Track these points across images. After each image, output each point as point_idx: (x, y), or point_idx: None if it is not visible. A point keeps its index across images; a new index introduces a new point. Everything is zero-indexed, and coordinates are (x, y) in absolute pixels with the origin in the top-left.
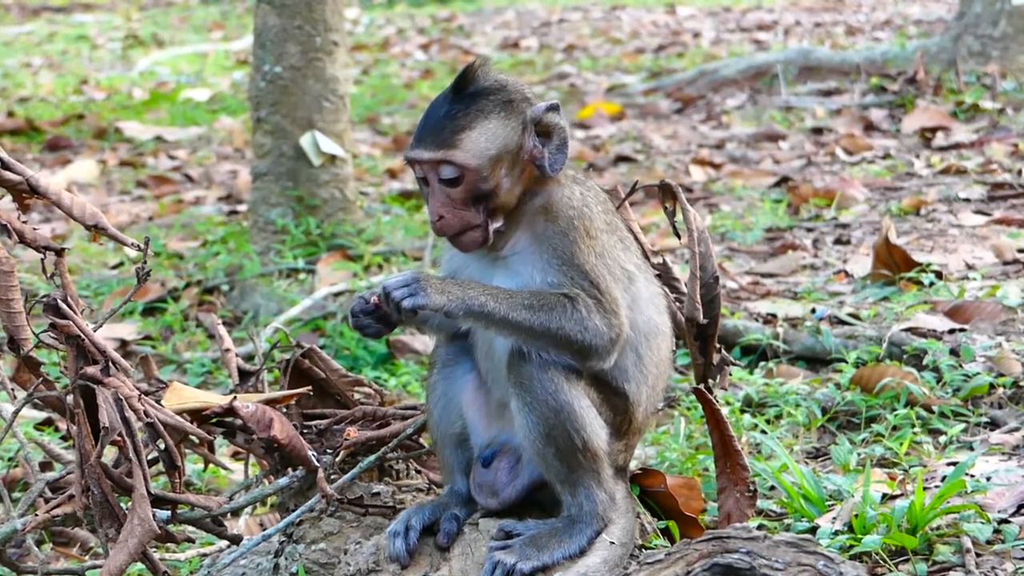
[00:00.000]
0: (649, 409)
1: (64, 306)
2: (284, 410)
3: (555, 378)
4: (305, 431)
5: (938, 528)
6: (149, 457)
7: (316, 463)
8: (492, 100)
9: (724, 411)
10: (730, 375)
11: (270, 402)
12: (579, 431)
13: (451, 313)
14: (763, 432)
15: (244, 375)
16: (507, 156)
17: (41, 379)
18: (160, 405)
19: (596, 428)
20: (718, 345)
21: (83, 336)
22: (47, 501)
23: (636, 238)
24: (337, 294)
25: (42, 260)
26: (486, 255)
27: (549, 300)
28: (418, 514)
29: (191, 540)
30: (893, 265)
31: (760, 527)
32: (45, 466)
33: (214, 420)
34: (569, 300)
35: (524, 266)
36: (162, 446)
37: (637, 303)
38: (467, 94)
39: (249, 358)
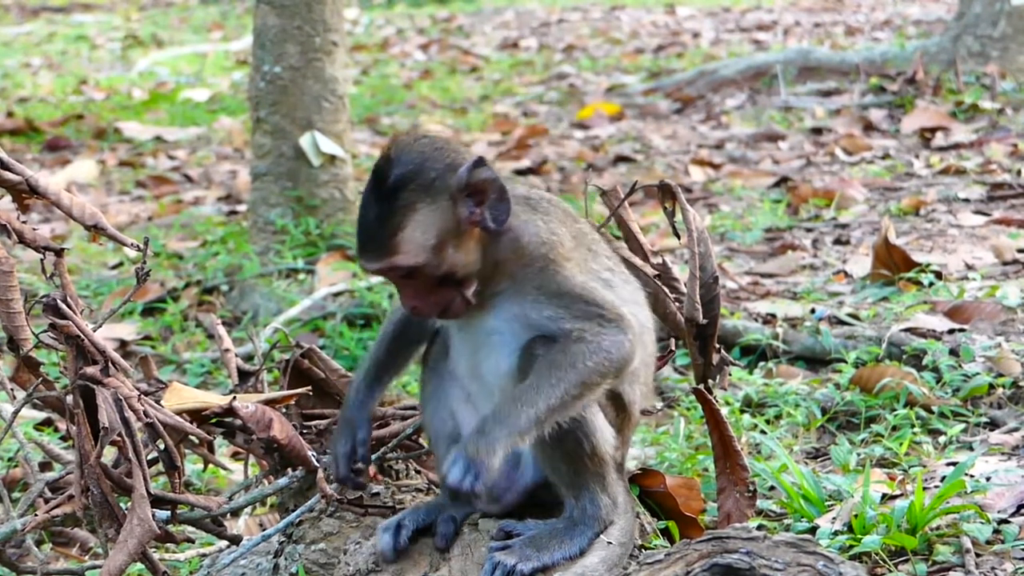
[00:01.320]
0: (643, 404)
1: (64, 306)
2: (284, 410)
3: None
4: (305, 431)
5: (938, 528)
6: (149, 457)
7: (316, 463)
8: (414, 189)
9: (724, 411)
10: (730, 375)
11: (270, 402)
12: (589, 437)
13: (513, 452)
14: (763, 432)
15: (244, 375)
16: (449, 236)
17: (41, 379)
18: (160, 405)
19: (605, 433)
20: (718, 345)
21: (83, 336)
22: (47, 501)
23: (636, 238)
24: (337, 294)
25: (42, 260)
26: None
27: (563, 356)
28: (413, 515)
29: (191, 540)
30: (892, 265)
31: (760, 527)
32: (45, 466)
33: (214, 420)
34: (578, 340)
35: (513, 307)
36: (162, 446)
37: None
38: (389, 188)
39: (249, 358)
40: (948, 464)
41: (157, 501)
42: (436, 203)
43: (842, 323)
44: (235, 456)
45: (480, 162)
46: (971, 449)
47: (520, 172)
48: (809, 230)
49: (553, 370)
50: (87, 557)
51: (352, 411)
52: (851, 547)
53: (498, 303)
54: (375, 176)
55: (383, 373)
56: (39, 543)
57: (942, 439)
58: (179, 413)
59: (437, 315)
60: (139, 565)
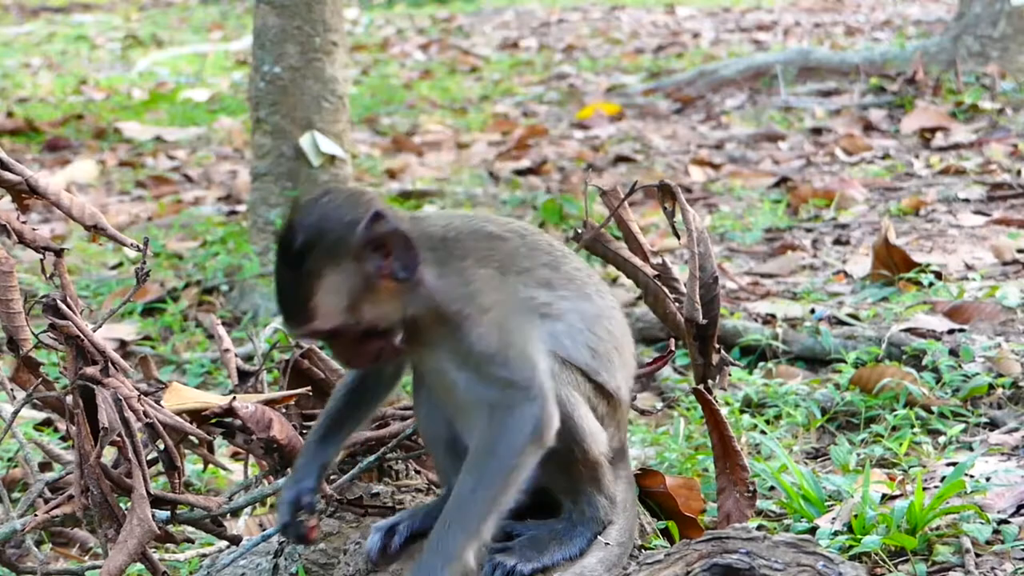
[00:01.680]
0: (629, 385)
1: (63, 306)
2: (283, 410)
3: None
4: (304, 431)
5: (937, 528)
6: (148, 457)
7: None
8: (317, 254)
9: (723, 411)
10: (729, 375)
11: (269, 402)
12: (579, 443)
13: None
14: (762, 432)
15: (243, 375)
16: (362, 294)
17: (40, 379)
18: (160, 405)
19: (596, 435)
20: (717, 345)
21: (82, 336)
22: (46, 501)
23: (636, 239)
24: None
25: (41, 260)
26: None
27: (483, 443)
28: (410, 519)
29: (190, 540)
30: (892, 265)
31: (760, 527)
32: (44, 466)
33: (213, 420)
34: (491, 416)
35: (443, 363)
36: (161, 446)
37: (571, 307)
38: (294, 256)
39: (248, 358)
40: (948, 464)
41: (157, 501)
42: (342, 265)
43: (842, 323)
44: (235, 456)
45: (377, 216)
46: (971, 449)
47: (520, 172)
48: (809, 230)
49: (474, 471)
50: (87, 557)
51: (301, 460)
52: (851, 547)
53: (435, 358)
54: (280, 245)
55: (338, 426)
56: (39, 543)
57: (942, 439)
58: (179, 413)
59: (371, 365)
60: (139, 565)
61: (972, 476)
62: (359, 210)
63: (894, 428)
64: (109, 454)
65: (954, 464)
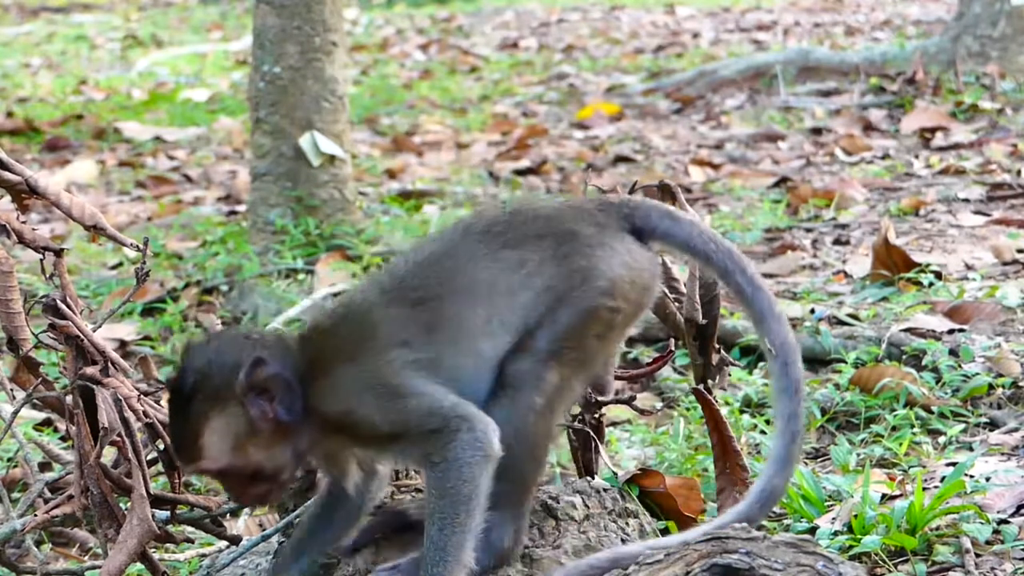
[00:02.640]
0: None
1: (63, 306)
2: None
3: None
4: None
5: (937, 528)
6: (148, 457)
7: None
8: (203, 396)
9: (723, 411)
10: (729, 375)
11: None
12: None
13: None
14: (762, 432)
15: None
16: (246, 437)
17: (40, 379)
18: (159, 405)
19: None
20: (717, 345)
21: (82, 336)
22: (46, 501)
23: None
24: (336, 294)
25: (41, 260)
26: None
27: (435, 492)
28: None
29: (190, 540)
30: (892, 265)
31: (759, 528)
32: (44, 466)
33: None
34: (433, 467)
35: (364, 455)
36: (161, 446)
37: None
38: (184, 399)
39: None
40: (948, 464)
41: (157, 501)
42: (226, 408)
43: (842, 323)
44: None
45: (258, 361)
46: (971, 449)
47: (520, 172)
48: (809, 230)
49: (436, 517)
50: (87, 557)
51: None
52: (851, 547)
53: (345, 448)
54: (171, 387)
55: (312, 541)
56: (39, 543)
57: (942, 439)
58: None
59: (261, 503)
60: (139, 565)
61: (972, 476)
62: (244, 354)
63: (894, 428)
64: (109, 454)
65: (954, 464)
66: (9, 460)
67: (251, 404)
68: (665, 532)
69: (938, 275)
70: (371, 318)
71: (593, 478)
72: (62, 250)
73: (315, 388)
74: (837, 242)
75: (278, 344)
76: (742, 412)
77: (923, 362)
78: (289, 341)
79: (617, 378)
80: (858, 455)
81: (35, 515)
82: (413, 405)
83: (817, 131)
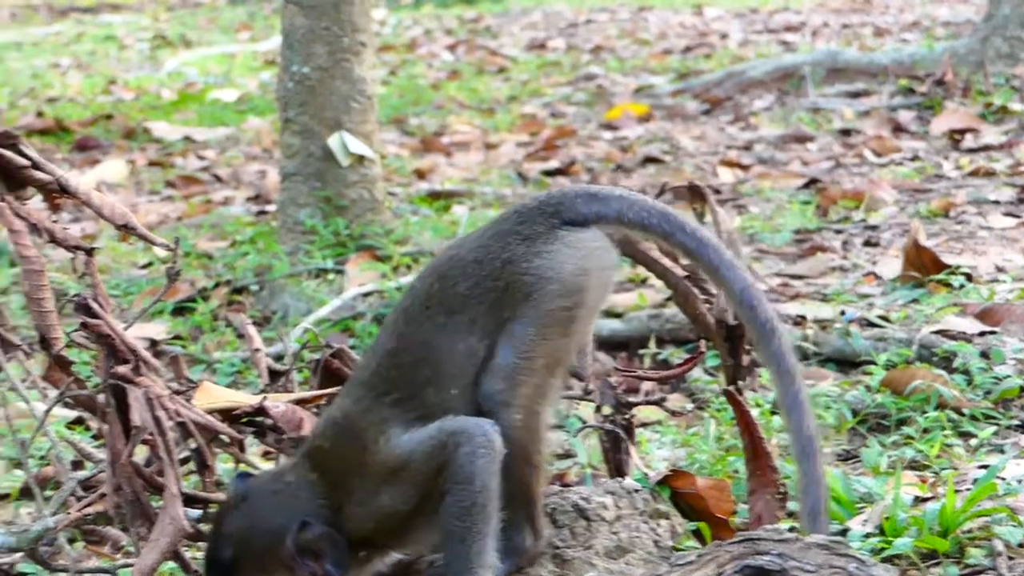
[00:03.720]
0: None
1: (95, 305)
2: (314, 410)
3: None
4: None
5: (969, 531)
6: (180, 456)
7: None
8: (247, 565)
9: (754, 413)
10: (760, 376)
11: (300, 402)
12: None
13: None
14: None
15: (274, 375)
16: None
17: (72, 378)
18: (191, 404)
19: None
20: (748, 347)
21: (114, 335)
22: (79, 500)
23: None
24: (366, 295)
25: (72, 259)
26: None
27: (456, 503)
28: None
29: None
30: (922, 267)
31: (791, 529)
32: (76, 465)
33: (244, 420)
34: (449, 490)
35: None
36: (193, 445)
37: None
38: (225, 568)
39: (279, 358)
40: (979, 467)
41: (189, 500)
42: (273, 574)
43: (872, 325)
44: (266, 455)
45: (304, 525)
46: (1002, 452)
47: (548, 173)
48: (838, 232)
49: (454, 529)
50: (119, 555)
51: None
52: (882, 549)
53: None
54: (208, 560)
55: None
56: (71, 541)
57: (973, 442)
58: (210, 412)
59: None
60: (171, 564)
61: (1004, 479)
62: (286, 515)
63: (925, 430)
64: (141, 452)
65: (986, 467)
66: (42, 458)
67: (300, 569)
68: (696, 533)
69: (968, 277)
70: (357, 427)
71: (624, 479)
72: (93, 249)
73: (345, 518)
74: (867, 244)
75: (308, 493)
76: (773, 413)
77: (954, 364)
78: (312, 481)
79: (647, 379)
80: (889, 457)
81: (68, 513)
82: (414, 463)
83: (846, 132)
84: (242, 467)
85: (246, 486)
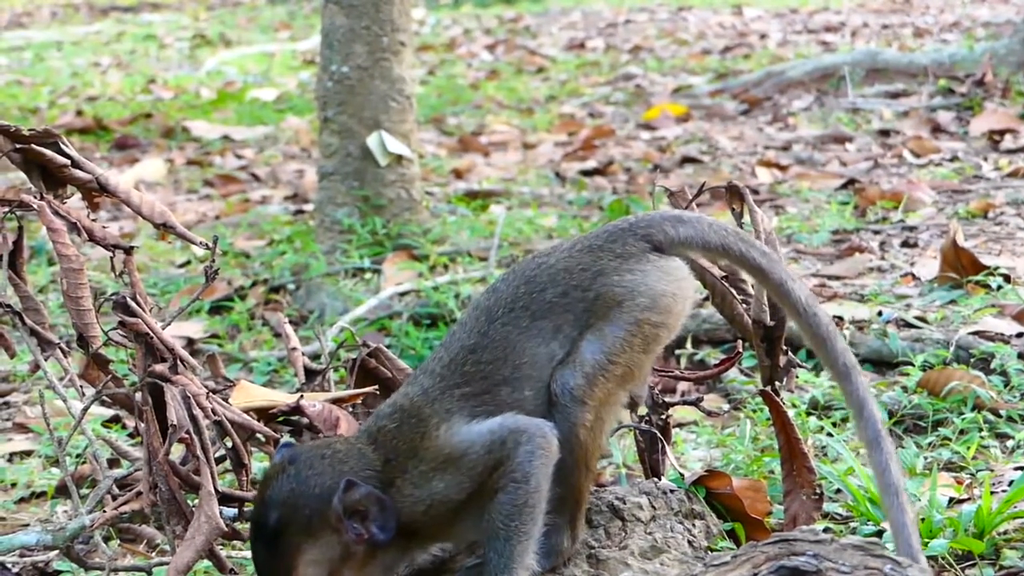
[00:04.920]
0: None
1: (133, 304)
2: (351, 409)
3: None
4: None
5: (1005, 533)
6: (216, 455)
7: None
8: (293, 530)
9: (790, 413)
10: (796, 377)
11: (336, 401)
12: None
13: None
14: (829, 435)
15: (310, 374)
16: (340, 561)
17: (110, 376)
18: (227, 403)
19: None
20: (784, 347)
21: (151, 334)
22: (115, 498)
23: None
24: (403, 294)
25: (111, 258)
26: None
27: (508, 502)
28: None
29: None
30: (960, 268)
31: (826, 530)
32: (113, 463)
33: (281, 419)
34: (504, 488)
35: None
36: (229, 444)
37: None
38: (270, 535)
39: (315, 357)
40: (1016, 468)
41: (225, 498)
42: (319, 539)
43: (909, 326)
44: None
45: (350, 484)
46: None
47: (586, 173)
48: (876, 232)
49: (501, 526)
50: (154, 554)
51: None
52: None
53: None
54: (255, 525)
55: None
56: (107, 539)
57: (1010, 443)
58: (247, 411)
59: None
60: (206, 562)
61: None
62: (330, 478)
63: (962, 432)
64: (177, 451)
65: (1022, 468)
66: (78, 456)
67: (346, 529)
68: (732, 534)
69: (1007, 278)
70: (422, 413)
71: (660, 479)
72: (131, 248)
73: (395, 495)
74: (905, 244)
75: (358, 460)
76: (809, 414)
77: (991, 365)
78: (364, 452)
79: (684, 379)
80: (925, 458)
81: (103, 511)
82: (472, 454)
83: (885, 133)
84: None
85: (292, 452)
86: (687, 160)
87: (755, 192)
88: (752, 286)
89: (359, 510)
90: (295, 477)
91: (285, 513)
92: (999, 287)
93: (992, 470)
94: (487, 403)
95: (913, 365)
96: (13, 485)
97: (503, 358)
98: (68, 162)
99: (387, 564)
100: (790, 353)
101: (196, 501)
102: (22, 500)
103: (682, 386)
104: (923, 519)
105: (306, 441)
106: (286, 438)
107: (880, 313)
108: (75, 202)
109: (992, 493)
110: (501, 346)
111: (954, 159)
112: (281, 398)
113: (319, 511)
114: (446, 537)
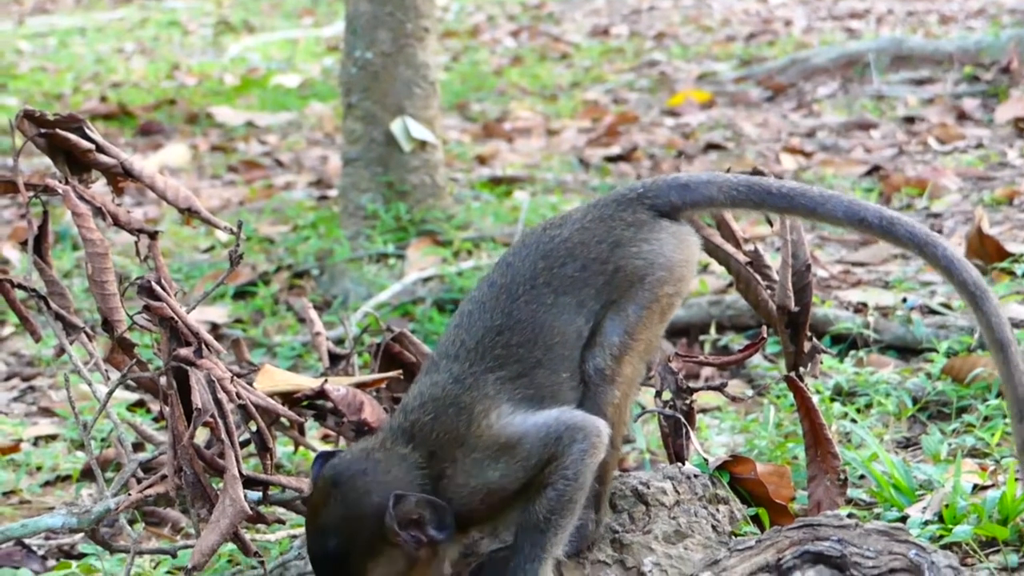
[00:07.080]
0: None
1: (158, 288)
2: (374, 394)
3: None
4: None
5: None
6: (241, 439)
7: None
8: (356, 554)
9: (814, 399)
10: (821, 363)
11: (361, 385)
12: None
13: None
14: (853, 421)
15: (334, 358)
16: (407, 569)
17: (134, 360)
18: (252, 387)
19: None
20: (809, 333)
21: (176, 318)
22: (139, 481)
23: (728, 225)
24: (427, 279)
25: (136, 243)
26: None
27: (557, 496)
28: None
29: (281, 521)
30: (985, 255)
31: (850, 516)
32: (138, 447)
33: (305, 403)
34: (554, 483)
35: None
36: (254, 428)
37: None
38: (334, 559)
39: (339, 342)
40: None
41: (249, 482)
42: (382, 555)
43: (934, 312)
44: (325, 439)
45: (398, 498)
46: None
47: (610, 159)
48: None
49: (542, 516)
50: (179, 537)
51: None
52: (941, 537)
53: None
54: (315, 557)
55: None
56: (132, 522)
57: None
58: (271, 395)
59: None
60: (231, 545)
61: None
62: (377, 494)
63: (986, 418)
64: (202, 435)
65: None
66: (103, 440)
67: (405, 540)
68: (756, 519)
69: None
70: (462, 401)
71: (683, 464)
72: (156, 233)
73: (447, 486)
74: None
75: (401, 466)
76: (833, 400)
77: None
78: (404, 455)
79: (708, 365)
80: (950, 445)
81: (128, 494)
82: (528, 445)
83: (910, 120)
84: (324, 446)
85: (333, 471)
86: (711, 147)
87: (779, 179)
88: (776, 272)
89: (413, 519)
90: (343, 502)
91: (342, 541)
92: (1023, 274)
93: (1016, 457)
94: (526, 387)
95: (937, 352)
96: (39, 468)
97: (533, 339)
98: (93, 147)
99: (452, 556)
100: (814, 339)
101: (221, 484)
102: (47, 483)
103: (706, 372)
104: (947, 505)
105: (341, 450)
106: (322, 447)
107: (904, 300)
108: (100, 187)
109: (1016, 480)
110: (529, 326)
111: (979, 146)
112: (305, 382)
113: (375, 531)
114: (495, 527)
